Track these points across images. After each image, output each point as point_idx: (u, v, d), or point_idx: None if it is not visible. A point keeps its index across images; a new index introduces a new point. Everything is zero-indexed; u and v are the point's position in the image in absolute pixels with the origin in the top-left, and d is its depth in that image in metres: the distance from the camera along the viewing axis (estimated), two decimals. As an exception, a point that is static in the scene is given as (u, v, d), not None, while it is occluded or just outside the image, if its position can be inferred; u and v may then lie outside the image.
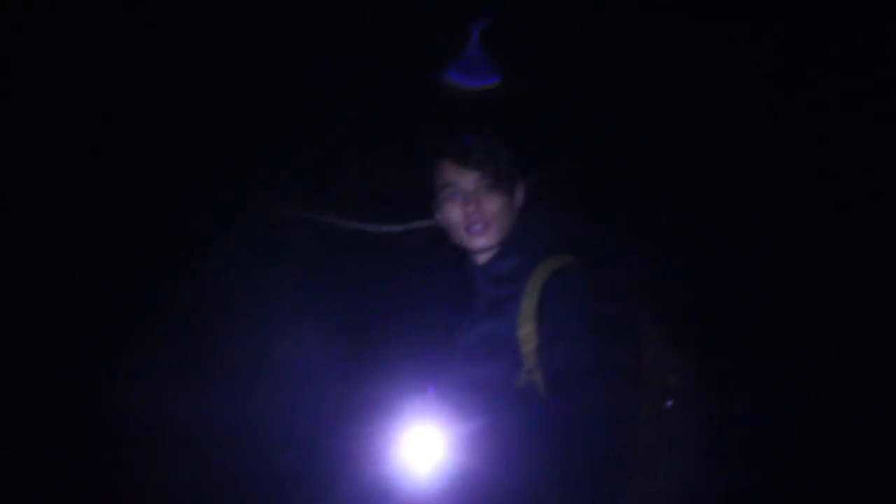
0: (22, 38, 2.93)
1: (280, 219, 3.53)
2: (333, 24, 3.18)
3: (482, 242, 1.72)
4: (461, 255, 1.81)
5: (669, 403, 1.61)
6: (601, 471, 1.47)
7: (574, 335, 1.54)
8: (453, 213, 1.74)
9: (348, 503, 1.82)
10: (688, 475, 1.65)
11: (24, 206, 3.05)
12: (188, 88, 3.20)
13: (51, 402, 2.81)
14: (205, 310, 3.20)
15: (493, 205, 1.72)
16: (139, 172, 3.25)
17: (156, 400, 2.89)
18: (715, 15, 3.11)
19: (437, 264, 2.06)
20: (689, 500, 1.66)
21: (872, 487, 3.37)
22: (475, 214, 1.71)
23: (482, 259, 1.76)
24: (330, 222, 3.49)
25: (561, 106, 3.18)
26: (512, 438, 1.60)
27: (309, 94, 3.37)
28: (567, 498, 1.46)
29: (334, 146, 3.53)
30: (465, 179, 1.72)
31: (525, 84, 3.08)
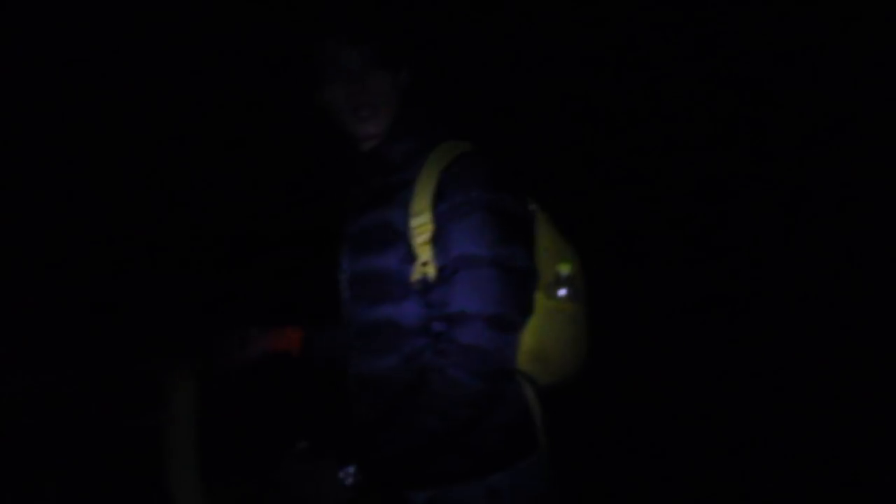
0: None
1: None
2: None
3: (369, 127, 1.63)
4: (342, 142, 1.71)
5: (561, 293, 1.60)
6: (484, 365, 1.45)
7: (470, 225, 1.49)
8: (337, 95, 1.62)
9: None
10: (576, 371, 1.67)
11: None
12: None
13: None
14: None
15: (380, 84, 1.61)
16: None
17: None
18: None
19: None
20: (577, 397, 1.68)
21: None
22: (362, 95, 1.60)
23: (368, 145, 1.66)
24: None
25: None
26: (401, 333, 1.57)
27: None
28: (447, 390, 1.44)
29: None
30: (350, 56, 1.59)
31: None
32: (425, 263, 1.51)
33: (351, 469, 1.44)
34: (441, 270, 1.50)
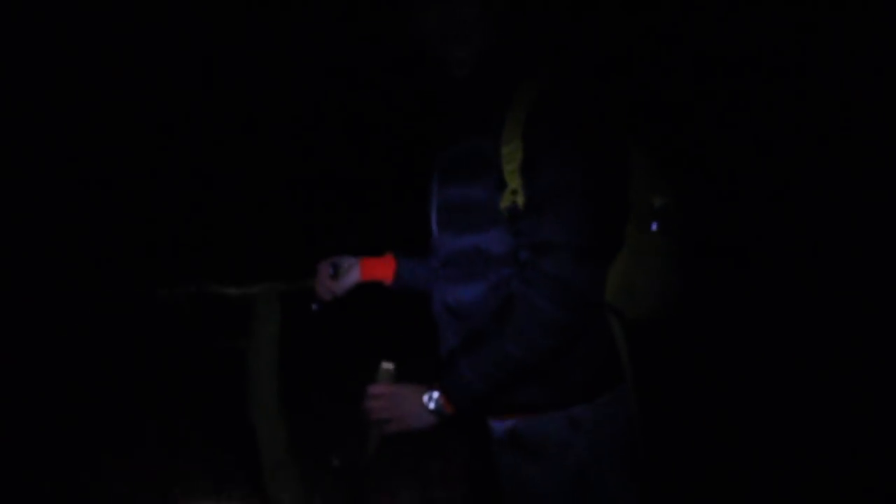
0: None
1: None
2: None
3: (461, 53, 1.60)
4: (436, 69, 1.68)
5: (654, 226, 1.57)
6: (569, 296, 1.44)
7: (560, 154, 1.46)
8: (428, 22, 1.59)
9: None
10: (666, 307, 1.63)
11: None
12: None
13: None
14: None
15: (470, 9, 1.57)
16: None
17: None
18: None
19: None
20: (666, 329, 1.65)
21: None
22: (451, 20, 1.57)
23: (461, 72, 1.63)
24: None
25: None
26: (488, 261, 1.56)
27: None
28: (531, 319, 1.44)
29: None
30: None
31: None
32: (514, 191, 1.49)
33: (435, 394, 1.46)
34: (530, 199, 1.48)
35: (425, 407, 1.47)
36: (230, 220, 3.84)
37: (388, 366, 1.55)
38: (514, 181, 1.49)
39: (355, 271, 1.96)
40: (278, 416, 3.80)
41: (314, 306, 2.04)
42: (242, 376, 3.70)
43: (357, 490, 3.72)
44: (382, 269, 1.97)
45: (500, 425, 1.64)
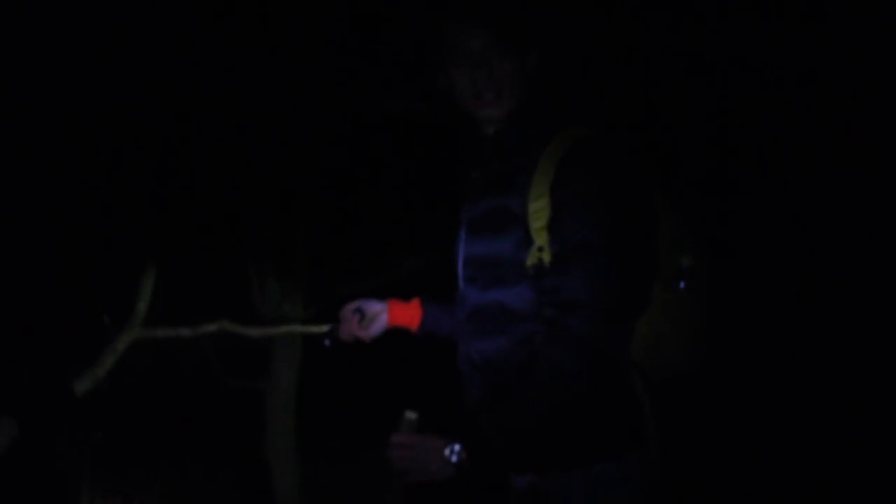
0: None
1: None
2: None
3: (492, 112, 1.60)
4: (466, 127, 1.70)
5: (682, 285, 1.56)
6: (593, 356, 1.42)
7: (588, 212, 1.46)
8: (460, 80, 1.60)
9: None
10: (692, 367, 1.62)
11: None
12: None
13: None
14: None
15: (504, 70, 1.57)
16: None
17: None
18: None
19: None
20: (691, 390, 1.63)
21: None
22: (485, 80, 1.58)
23: (490, 129, 1.64)
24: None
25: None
26: (512, 317, 1.56)
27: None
28: (554, 378, 1.42)
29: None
30: (473, 40, 1.57)
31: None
32: (541, 249, 1.49)
33: (457, 447, 1.45)
34: (556, 257, 1.48)
35: (447, 459, 1.45)
36: (254, 257, 3.86)
37: (411, 415, 1.54)
38: (541, 238, 1.49)
39: (383, 317, 1.96)
40: (293, 459, 3.80)
41: (326, 342, 2.02)
42: (260, 418, 3.72)
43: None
44: (409, 315, 1.96)
45: (520, 481, 1.63)
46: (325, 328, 2.04)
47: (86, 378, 2.64)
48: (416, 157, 4.07)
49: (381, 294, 2.04)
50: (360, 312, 1.96)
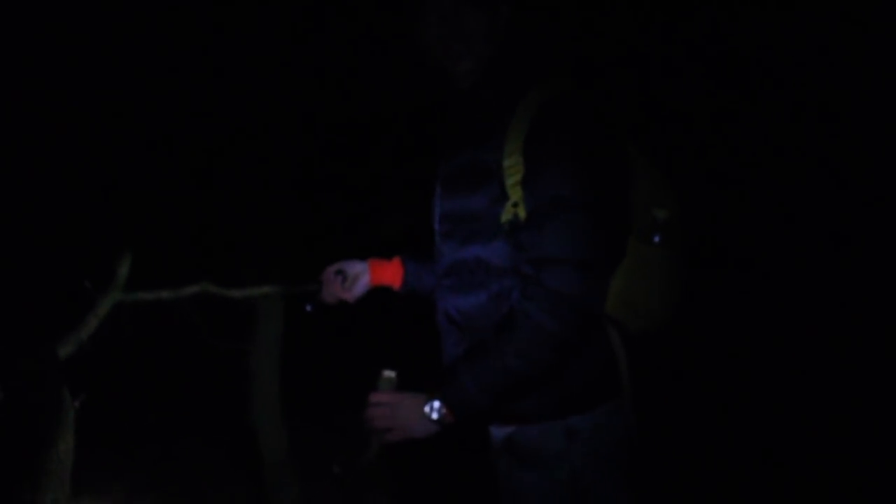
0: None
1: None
2: None
3: (463, 66, 1.59)
4: (438, 81, 1.68)
5: (657, 238, 1.57)
6: (570, 311, 1.44)
7: (562, 167, 1.47)
8: (431, 34, 1.59)
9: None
10: (667, 319, 1.64)
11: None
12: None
13: None
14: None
15: (475, 22, 1.57)
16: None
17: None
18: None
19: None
20: (665, 343, 1.66)
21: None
22: (455, 34, 1.57)
23: (463, 84, 1.64)
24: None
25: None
26: (489, 272, 1.57)
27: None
28: (532, 333, 1.44)
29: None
30: None
31: None
32: (516, 204, 1.50)
33: (437, 403, 1.47)
34: (531, 212, 1.49)
35: (427, 416, 1.47)
36: (232, 220, 3.85)
37: (389, 374, 1.56)
38: (515, 194, 1.50)
39: (365, 277, 1.95)
40: (279, 419, 3.82)
41: (308, 307, 2.02)
42: (245, 378, 3.73)
43: (354, 495, 3.73)
44: (391, 274, 1.97)
45: (498, 432, 1.66)
46: (309, 289, 2.04)
47: (69, 342, 2.64)
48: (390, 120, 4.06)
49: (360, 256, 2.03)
50: (343, 274, 1.95)
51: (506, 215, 1.51)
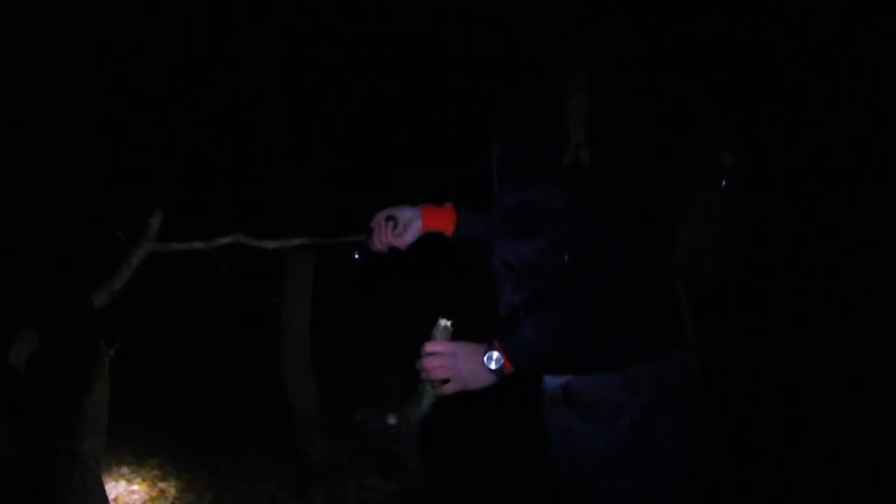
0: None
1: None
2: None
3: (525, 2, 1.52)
4: (496, 20, 1.60)
5: (723, 183, 1.51)
6: (638, 259, 1.39)
7: (629, 109, 1.40)
8: None
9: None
10: (734, 271, 1.58)
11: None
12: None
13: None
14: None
15: None
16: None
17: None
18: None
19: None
20: (732, 289, 1.60)
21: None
22: None
23: (523, 21, 1.55)
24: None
25: None
26: (549, 218, 1.52)
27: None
28: (600, 283, 1.39)
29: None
30: None
31: None
32: (578, 145, 1.43)
33: (495, 354, 1.43)
34: (595, 157, 1.42)
35: (485, 366, 1.43)
36: (263, 171, 3.80)
37: (445, 322, 1.51)
38: (578, 135, 1.43)
39: (417, 223, 1.89)
40: (310, 372, 3.81)
41: (356, 255, 1.97)
42: (275, 331, 3.71)
43: (381, 447, 3.73)
44: (444, 220, 1.90)
45: (554, 381, 1.61)
46: (357, 237, 1.99)
47: (103, 292, 2.62)
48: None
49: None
50: (394, 219, 1.89)
51: (567, 158, 1.44)
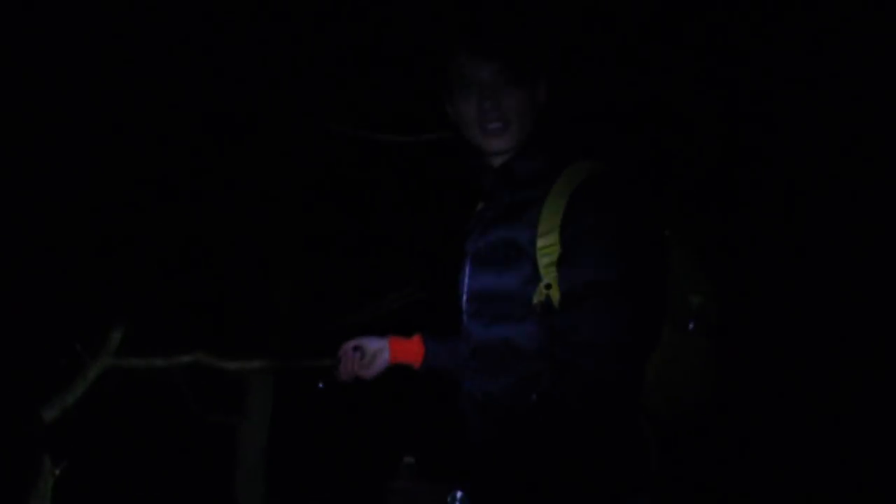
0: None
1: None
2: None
3: (500, 143, 1.56)
4: (473, 157, 1.64)
5: (691, 325, 1.52)
6: (608, 398, 1.39)
7: (600, 250, 1.42)
8: (468, 110, 1.56)
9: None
10: (701, 408, 1.57)
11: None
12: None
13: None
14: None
15: (513, 100, 1.54)
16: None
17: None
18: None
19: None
20: (701, 428, 1.59)
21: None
22: (493, 111, 1.54)
23: (498, 161, 1.60)
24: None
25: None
26: (518, 355, 1.51)
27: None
28: (568, 423, 1.38)
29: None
30: (482, 70, 1.53)
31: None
32: (549, 286, 1.45)
33: (459, 494, 1.39)
34: (566, 295, 1.43)
35: None
36: (230, 290, 3.78)
37: (409, 460, 1.48)
38: (549, 275, 1.44)
39: (384, 355, 1.86)
40: (263, 496, 3.67)
41: (321, 384, 1.94)
42: (232, 454, 3.59)
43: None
44: (412, 352, 1.88)
45: None
46: (324, 365, 1.96)
47: (54, 405, 2.54)
48: (405, 186, 4.05)
49: (359, 331, 1.96)
50: (361, 350, 1.86)
51: (538, 297, 1.46)
